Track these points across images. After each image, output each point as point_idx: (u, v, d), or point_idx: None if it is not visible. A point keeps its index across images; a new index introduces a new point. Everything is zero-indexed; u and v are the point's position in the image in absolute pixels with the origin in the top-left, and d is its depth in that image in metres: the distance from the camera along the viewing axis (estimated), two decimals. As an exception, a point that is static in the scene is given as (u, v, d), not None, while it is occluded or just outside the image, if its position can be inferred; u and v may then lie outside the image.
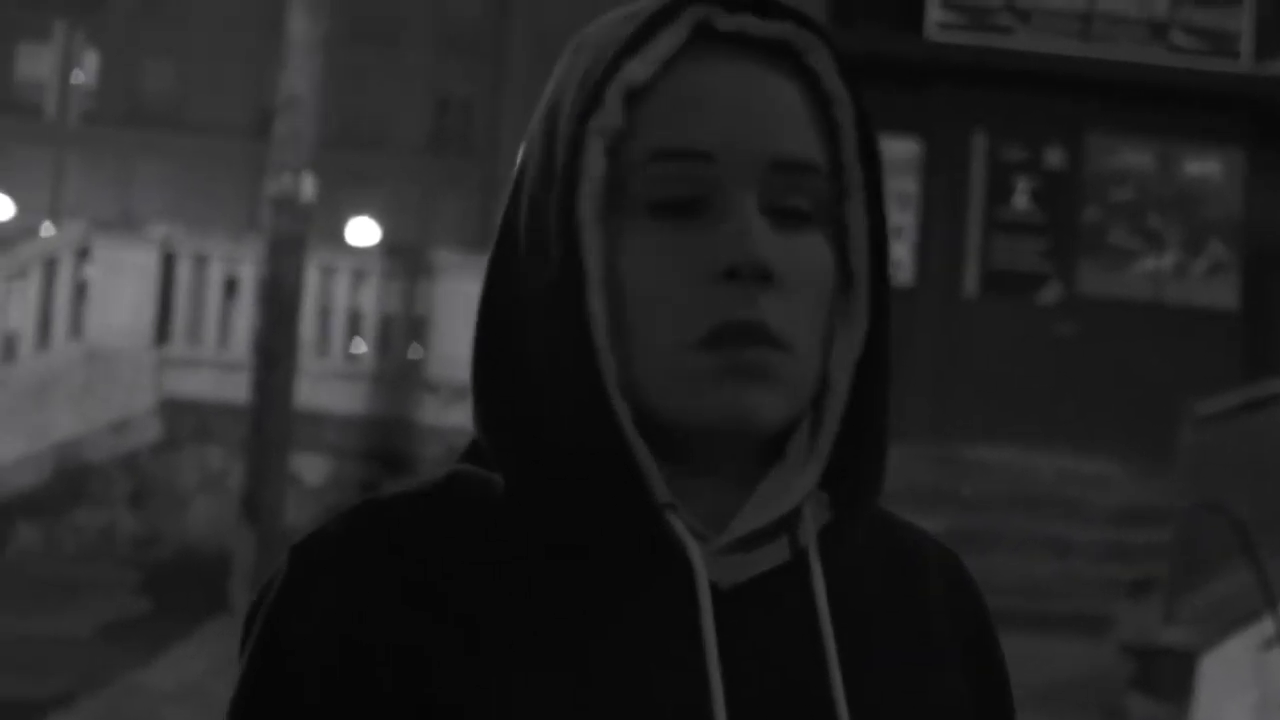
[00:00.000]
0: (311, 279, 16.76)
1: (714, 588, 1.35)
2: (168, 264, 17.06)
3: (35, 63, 54.11)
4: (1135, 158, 18.35)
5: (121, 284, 16.93)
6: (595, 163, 1.36)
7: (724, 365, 1.35)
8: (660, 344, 1.35)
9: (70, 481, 16.66)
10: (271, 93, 16.01)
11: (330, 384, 16.74)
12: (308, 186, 14.47)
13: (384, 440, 16.81)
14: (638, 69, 1.36)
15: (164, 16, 57.73)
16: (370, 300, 17.15)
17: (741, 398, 1.35)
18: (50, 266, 17.03)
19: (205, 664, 11.90)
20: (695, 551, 1.34)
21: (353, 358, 17.06)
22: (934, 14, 17.99)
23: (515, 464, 1.39)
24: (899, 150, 17.88)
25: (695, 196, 1.37)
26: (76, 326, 17.09)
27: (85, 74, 51.61)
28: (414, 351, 17.39)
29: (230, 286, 17.09)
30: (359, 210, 57.23)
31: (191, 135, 57.34)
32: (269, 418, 14.40)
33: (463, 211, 57.93)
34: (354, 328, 17.31)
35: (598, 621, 1.34)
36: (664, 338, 1.35)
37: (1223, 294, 18.38)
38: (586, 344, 1.34)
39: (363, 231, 56.10)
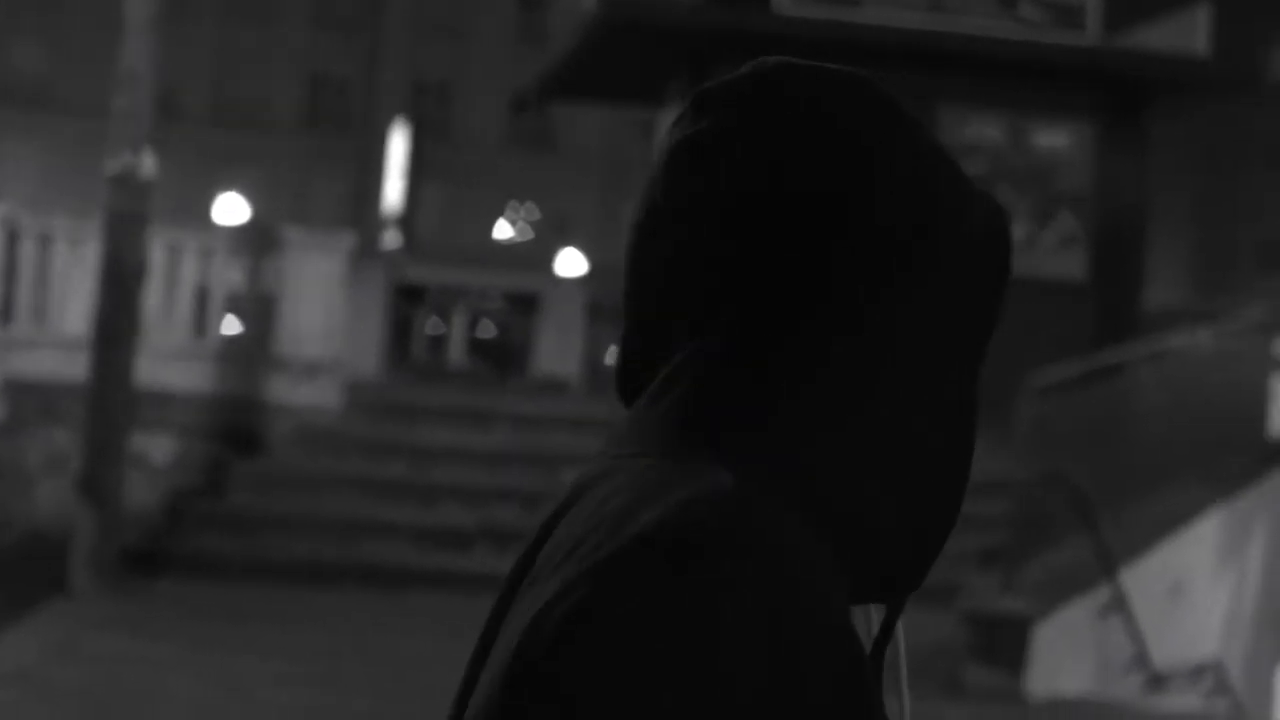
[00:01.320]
0: (158, 257, 16.57)
1: None
2: (11, 242, 16.81)
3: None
4: (986, 130, 18.47)
5: (-37, 263, 16.68)
6: None
7: None
8: None
9: (-87, 464, 16.41)
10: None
11: (176, 363, 16.56)
12: (147, 163, 14.29)
13: (232, 419, 16.65)
14: None
15: (32, -6, 57.00)
16: (218, 278, 16.97)
17: None
18: (-110, 246, 16.76)
19: (38, 647, 11.75)
20: None
21: (200, 336, 16.87)
22: (784, -12, 18.01)
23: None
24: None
25: None
26: (-82, 307, 16.83)
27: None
28: (259, 329, 17.23)
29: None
30: (234, 189, 56.76)
31: (61, 115, 56.66)
32: (109, 397, 14.22)
33: (338, 190, 57.59)
34: (208, 307, 17.12)
35: None
36: None
37: (1072, 266, 18.54)
38: None
39: (230, 209, 55.60)
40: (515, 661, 1.18)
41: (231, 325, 17.58)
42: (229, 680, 10.86)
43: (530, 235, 60.17)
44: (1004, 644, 12.51)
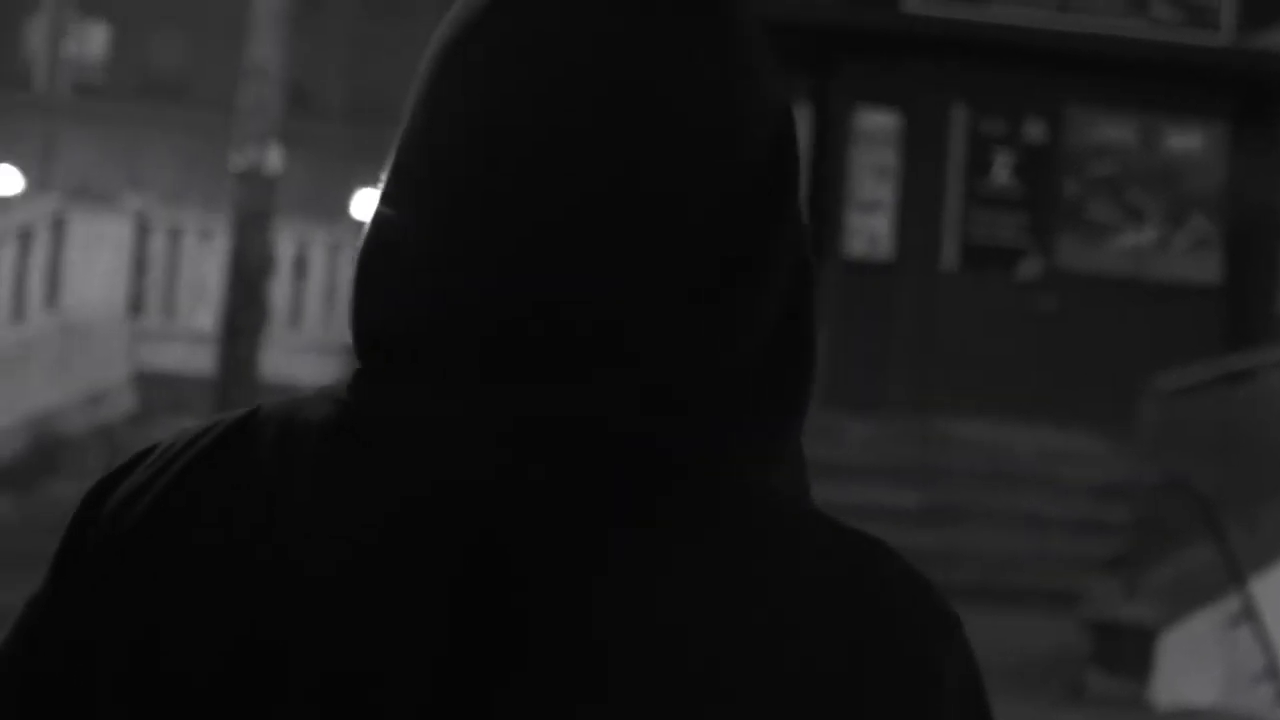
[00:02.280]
0: (286, 251, 16.72)
1: None
2: (142, 235, 17.02)
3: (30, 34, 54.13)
4: (1116, 131, 18.22)
5: (96, 255, 16.89)
6: None
7: None
8: None
9: (44, 453, 16.63)
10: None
11: (305, 356, 16.69)
12: (274, 158, 14.41)
13: (357, 413, 16.75)
14: None
15: (173, -11, 57.69)
16: (346, 272, 17.07)
17: None
18: (26, 238, 17.00)
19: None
20: None
21: (329, 330, 16.99)
22: (911, -14, 17.89)
23: None
24: (878, 123, 17.77)
25: None
26: (52, 298, 17.05)
27: (80, 45, 51.60)
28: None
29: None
30: (372, 185, 57.19)
31: (199, 109, 57.33)
32: (235, 390, 14.35)
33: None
34: (336, 301, 17.25)
35: None
36: None
37: (1204, 269, 18.26)
38: None
39: (368, 205, 55.93)
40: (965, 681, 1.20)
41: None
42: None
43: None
44: (1127, 652, 12.36)
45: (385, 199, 1.24)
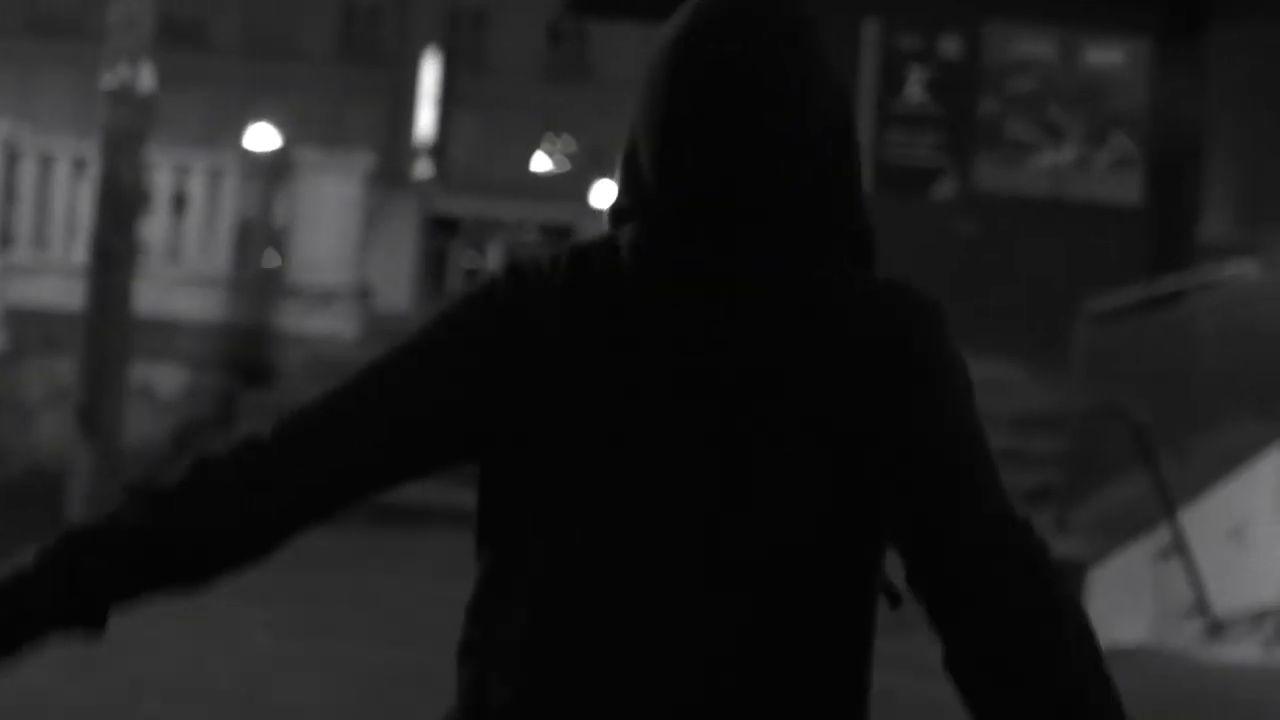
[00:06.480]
0: (164, 179, 15.83)
1: None
2: (11, 163, 16.05)
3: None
4: (1035, 47, 17.71)
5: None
6: None
7: None
8: None
9: (-90, 396, 15.72)
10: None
11: (185, 290, 15.80)
12: (146, 77, 13.50)
13: (243, 349, 15.90)
14: None
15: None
16: (229, 201, 16.18)
17: None
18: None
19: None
20: None
21: (210, 262, 16.09)
22: (823, -105, 17.18)
23: None
24: (787, 39, 17.08)
25: None
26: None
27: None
28: (272, 256, 16.49)
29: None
30: (267, 121, 56.07)
31: (94, 44, 56.00)
32: (107, 325, 13.47)
33: (371, 121, 56.84)
34: (216, 231, 16.33)
35: None
36: None
37: (1127, 189, 17.79)
38: None
39: (261, 140, 54.83)
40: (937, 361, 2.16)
41: (271, 257, 16.75)
42: (217, 627, 10.12)
43: (567, 167, 59.41)
44: (1057, 589, 11.72)
45: (633, 145, 2.13)
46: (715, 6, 2.08)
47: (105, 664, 9.27)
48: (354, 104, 58.00)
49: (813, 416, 2.02)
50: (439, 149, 49.57)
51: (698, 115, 2.04)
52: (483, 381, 2.05)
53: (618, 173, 2.12)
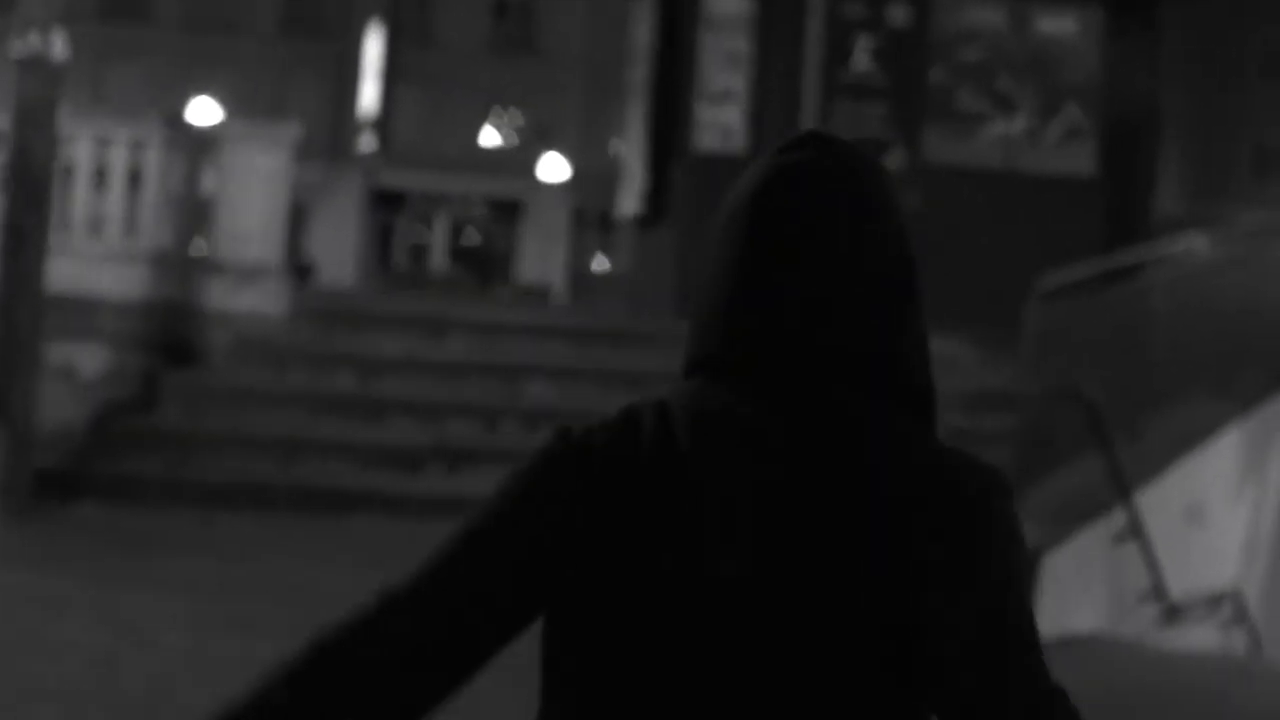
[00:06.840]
0: (84, 151, 15.25)
1: None
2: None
3: None
4: (984, 15, 17.41)
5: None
6: None
7: None
8: None
9: None
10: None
11: (105, 266, 15.21)
12: (58, 45, 12.92)
13: (166, 327, 15.33)
14: None
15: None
16: (152, 173, 15.58)
17: None
18: None
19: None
20: None
21: (132, 237, 15.49)
22: None
23: None
24: (729, 7, 16.75)
25: None
26: None
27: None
28: (198, 230, 15.92)
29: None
30: (209, 95, 55.39)
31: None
32: (18, 304, 12.90)
33: (314, 96, 56.24)
34: (140, 205, 15.74)
35: None
36: None
37: (1079, 161, 17.47)
38: None
39: (202, 114, 54.14)
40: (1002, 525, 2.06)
41: (197, 232, 16.16)
42: (130, 623, 9.61)
43: (514, 141, 58.88)
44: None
45: (706, 281, 2.16)
46: (785, 168, 2.13)
47: (1, 666, 8.74)
48: (297, 78, 57.37)
49: (876, 594, 2.00)
50: (383, 123, 49.03)
51: (768, 274, 2.09)
52: (565, 539, 2.07)
53: (690, 323, 2.18)
